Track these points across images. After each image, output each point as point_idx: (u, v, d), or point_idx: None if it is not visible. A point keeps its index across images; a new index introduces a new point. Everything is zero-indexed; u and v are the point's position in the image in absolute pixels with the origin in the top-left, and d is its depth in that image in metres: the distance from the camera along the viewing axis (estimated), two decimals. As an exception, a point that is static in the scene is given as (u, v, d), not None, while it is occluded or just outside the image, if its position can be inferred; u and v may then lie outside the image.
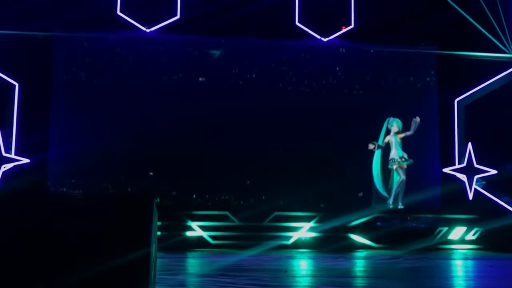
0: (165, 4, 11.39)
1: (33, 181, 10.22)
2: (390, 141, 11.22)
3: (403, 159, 11.10)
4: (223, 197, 11.39)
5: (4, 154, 10.55)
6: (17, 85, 10.96)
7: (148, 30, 11.41)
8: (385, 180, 11.26)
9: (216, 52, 11.58)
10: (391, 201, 11.04)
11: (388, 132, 11.31)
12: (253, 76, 11.69)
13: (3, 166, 10.53)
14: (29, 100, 10.91)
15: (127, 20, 11.30)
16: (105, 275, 2.95)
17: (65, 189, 10.80)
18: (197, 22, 11.31)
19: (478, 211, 10.76)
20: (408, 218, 10.93)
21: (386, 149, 11.28)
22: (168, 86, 11.50)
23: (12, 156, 10.67)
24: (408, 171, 11.23)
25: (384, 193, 11.23)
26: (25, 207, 3.02)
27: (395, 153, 11.14)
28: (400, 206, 10.97)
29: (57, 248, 2.96)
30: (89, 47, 11.32)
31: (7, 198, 3.13)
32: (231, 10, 11.19)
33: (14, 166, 10.58)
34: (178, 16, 11.41)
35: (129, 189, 10.90)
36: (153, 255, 3.29)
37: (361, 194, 11.54)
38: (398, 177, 11.11)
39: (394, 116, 11.38)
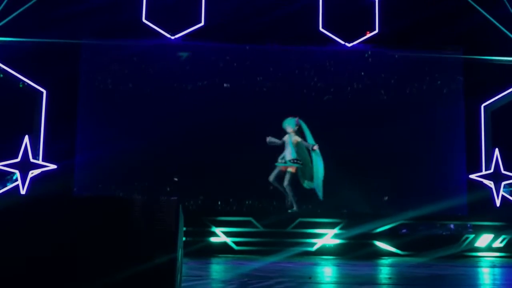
0: (190, 11, 11.48)
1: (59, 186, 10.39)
2: (285, 141, 10.50)
3: (293, 161, 10.39)
4: (247, 203, 11.40)
5: (31, 160, 10.73)
6: (44, 92, 11.16)
7: (173, 37, 11.52)
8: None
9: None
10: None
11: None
12: (277, 82, 11.70)
13: (30, 172, 10.71)
14: (56, 107, 11.11)
15: (152, 28, 11.43)
16: (131, 280, 2.96)
17: (91, 195, 10.92)
18: (222, 29, 11.38)
19: (506, 218, 10.57)
20: (437, 225, 10.79)
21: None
22: (193, 92, 11.58)
23: (40, 162, 10.85)
24: (434, 177, 11.10)
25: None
26: (52, 212, 3.05)
27: (289, 153, 10.44)
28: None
29: (82, 252, 2.98)
30: (115, 55, 11.47)
31: (34, 203, 3.16)
32: (255, 17, 11.23)
33: (42, 172, 10.76)
34: (202, 23, 11.50)
35: (155, 195, 10.98)
36: (179, 260, 3.30)
37: (386, 198, 11.47)
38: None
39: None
